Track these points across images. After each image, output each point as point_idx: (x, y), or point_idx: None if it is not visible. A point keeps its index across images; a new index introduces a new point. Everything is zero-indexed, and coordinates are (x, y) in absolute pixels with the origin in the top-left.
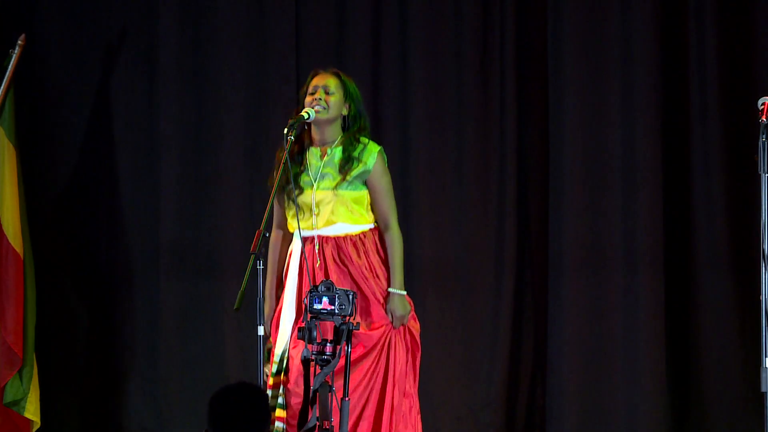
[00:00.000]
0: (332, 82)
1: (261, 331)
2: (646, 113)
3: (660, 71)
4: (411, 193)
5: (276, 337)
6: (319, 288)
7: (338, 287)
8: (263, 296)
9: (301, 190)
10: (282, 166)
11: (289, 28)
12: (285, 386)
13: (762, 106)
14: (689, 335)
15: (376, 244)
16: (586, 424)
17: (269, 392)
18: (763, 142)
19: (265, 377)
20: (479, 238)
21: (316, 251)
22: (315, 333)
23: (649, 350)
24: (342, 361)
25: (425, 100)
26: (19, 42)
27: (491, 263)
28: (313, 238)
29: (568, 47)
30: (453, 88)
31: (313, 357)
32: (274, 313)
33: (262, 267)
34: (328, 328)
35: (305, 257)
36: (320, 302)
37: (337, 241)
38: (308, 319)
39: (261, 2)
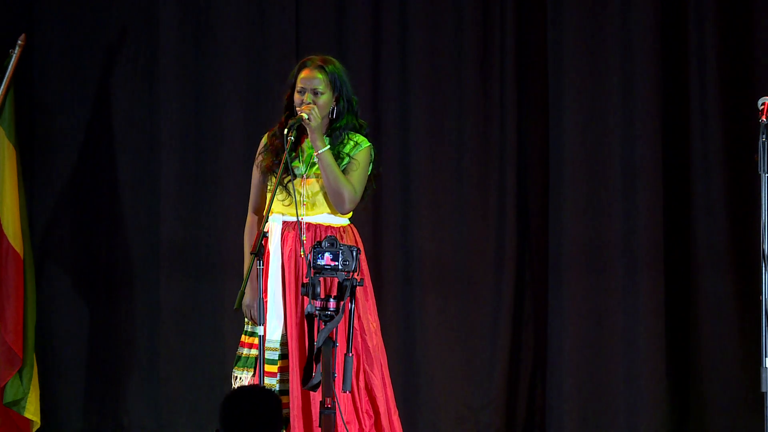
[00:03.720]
0: (319, 80)
1: (261, 330)
2: (646, 113)
3: (660, 71)
4: (411, 193)
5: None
6: (323, 243)
7: (342, 243)
8: (247, 282)
9: (294, 177)
10: (282, 166)
11: (289, 29)
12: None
13: (762, 106)
14: (689, 335)
15: (355, 241)
16: (586, 424)
17: (270, 380)
18: (763, 142)
19: (239, 382)
20: (479, 238)
21: (303, 239)
22: (318, 289)
23: (649, 350)
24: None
25: (425, 100)
26: (19, 42)
27: (491, 263)
28: (295, 224)
29: (568, 47)
30: (453, 88)
31: (317, 313)
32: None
33: (261, 267)
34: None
35: (302, 245)
36: (323, 258)
37: (317, 230)
38: (311, 275)
39: (261, 2)
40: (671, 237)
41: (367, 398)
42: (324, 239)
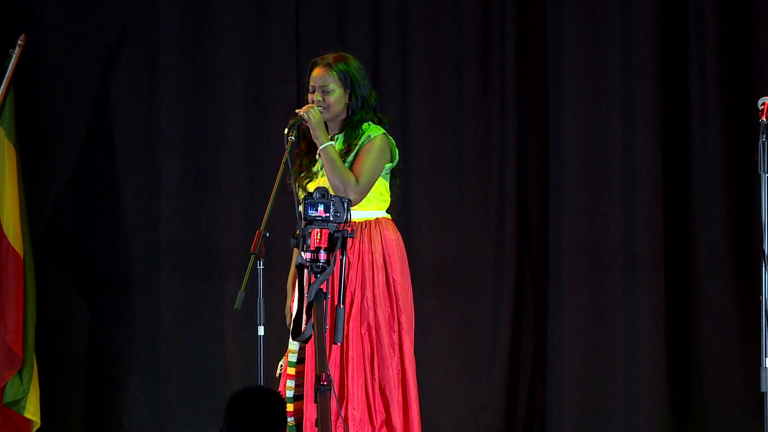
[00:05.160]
0: (330, 78)
1: (261, 331)
2: (646, 113)
3: (660, 71)
4: (411, 193)
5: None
6: (314, 195)
7: (333, 195)
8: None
9: (311, 178)
10: (282, 166)
11: (289, 28)
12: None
13: (762, 106)
14: (689, 335)
15: (381, 234)
16: (586, 424)
17: (290, 382)
18: (763, 142)
19: (280, 369)
20: (479, 238)
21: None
22: (309, 240)
23: (649, 350)
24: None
25: (425, 100)
26: (19, 42)
27: (491, 263)
28: None
29: (568, 47)
30: (453, 88)
31: (308, 264)
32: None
33: (261, 267)
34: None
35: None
36: (315, 209)
37: None
38: (303, 226)
39: (261, 2)
40: (671, 237)
41: (380, 395)
42: (315, 190)
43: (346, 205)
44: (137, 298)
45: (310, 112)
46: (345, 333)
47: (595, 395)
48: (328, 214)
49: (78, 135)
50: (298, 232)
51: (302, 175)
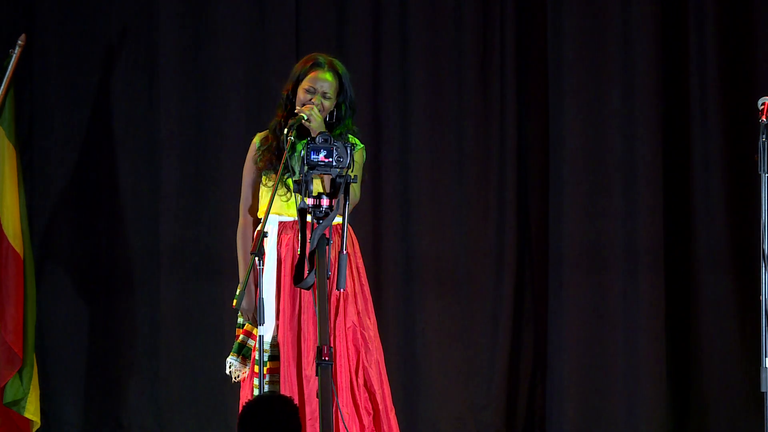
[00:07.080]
0: (329, 84)
1: (261, 330)
2: (646, 113)
3: (660, 71)
4: (411, 193)
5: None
6: (317, 140)
7: (336, 140)
8: (245, 286)
9: (294, 174)
10: (282, 166)
11: (289, 28)
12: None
13: (762, 106)
14: (689, 335)
15: (351, 238)
16: (586, 424)
17: (256, 380)
18: (763, 142)
19: (235, 372)
20: (479, 238)
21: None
22: (311, 186)
23: (649, 350)
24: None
25: (425, 100)
26: (19, 42)
27: (491, 263)
28: (292, 224)
29: (568, 47)
30: (453, 88)
31: (310, 210)
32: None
33: (261, 267)
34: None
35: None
36: (318, 154)
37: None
38: (305, 172)
39: (261, 2)
40: (671, 237)
41: (366, 395)
42: (318, 135)
43: (349, 150)
44: (137, 298)
45: (312, 113)
46: (331, 332)
47: (595, 395)
48: (330, 159)
49: (78, 135)
50: (300, 177)
51: (280, 171)
